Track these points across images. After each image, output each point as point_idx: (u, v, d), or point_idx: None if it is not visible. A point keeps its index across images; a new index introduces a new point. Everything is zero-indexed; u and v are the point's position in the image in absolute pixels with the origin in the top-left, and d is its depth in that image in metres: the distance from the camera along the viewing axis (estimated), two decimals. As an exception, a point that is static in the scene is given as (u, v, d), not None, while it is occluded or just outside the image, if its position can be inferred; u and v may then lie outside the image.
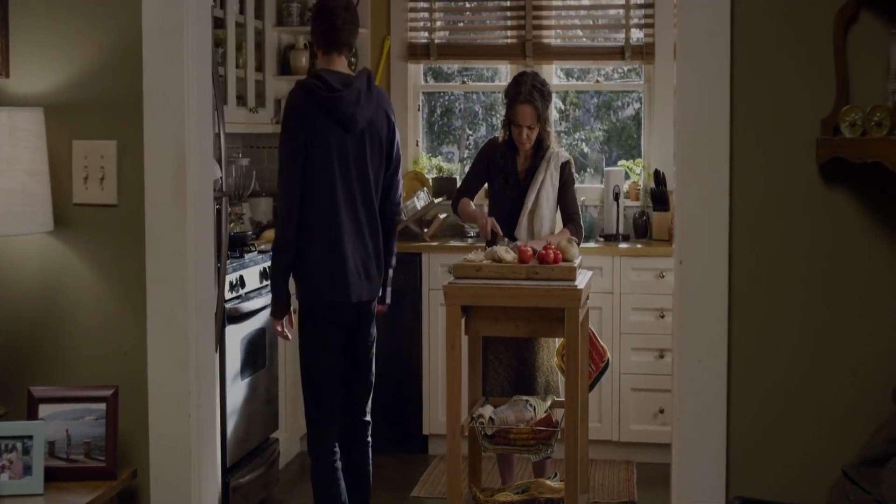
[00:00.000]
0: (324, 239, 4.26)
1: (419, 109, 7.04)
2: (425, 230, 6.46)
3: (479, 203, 5.96)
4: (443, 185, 6.83)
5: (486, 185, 5.28)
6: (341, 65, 4.37)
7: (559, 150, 5.12)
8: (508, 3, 6.80)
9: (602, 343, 5.09)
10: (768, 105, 2.88)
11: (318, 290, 4.29)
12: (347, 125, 4.25)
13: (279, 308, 4.41)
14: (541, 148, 5.06)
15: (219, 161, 4.48)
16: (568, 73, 7.09)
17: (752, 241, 2.90)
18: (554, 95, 6.88)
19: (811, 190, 2.87)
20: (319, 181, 4.24)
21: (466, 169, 7.15)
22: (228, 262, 4.82)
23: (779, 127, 2.87)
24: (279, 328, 4.46)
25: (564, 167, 5.07)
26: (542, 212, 5.02)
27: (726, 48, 2.87)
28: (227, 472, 4.78)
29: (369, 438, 4.61)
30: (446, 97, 7.37)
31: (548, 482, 4.80)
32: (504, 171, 5.08)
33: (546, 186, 5.02)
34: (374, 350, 4.55)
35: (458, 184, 6.84)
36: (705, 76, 2.88)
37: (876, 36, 2.81)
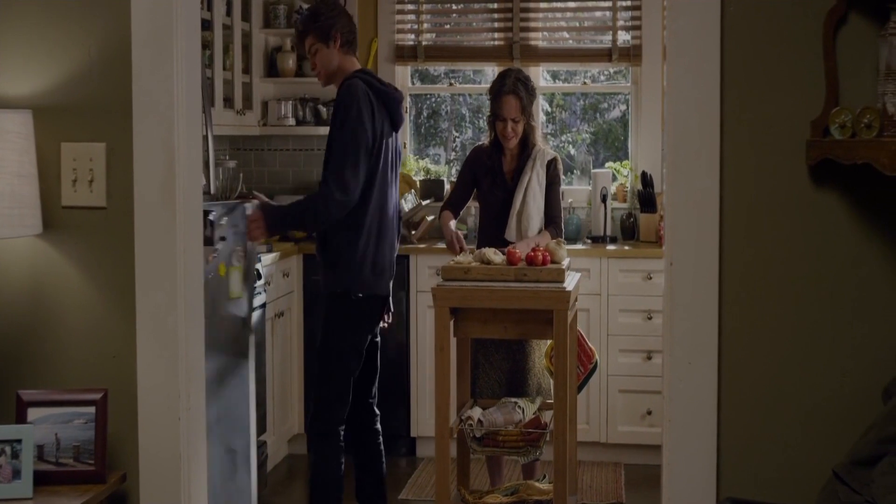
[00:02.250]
0: (373, 232, 4.44)
1: (406, 111, 7.04)
2: (413, 232, 6.46)
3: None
4: (430, 188, 6.83)
5: (472, 195, 5.26)
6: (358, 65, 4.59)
7: (545, 148, 5.11)
8: (495, 6, 6.81)
9: (590, 345, 5.09)
10: (758, 106, 2.88)
11: (365, 280, 4.45)
12: (398, 125, 4.51)
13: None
14: (526, 147, 5.05)
15: (207, 163, 4.49)
16: (554, 76, 7.09)
17: (743, 243, 2.91)
18: (541, 97, 6.91)
19: (801, 191, 2.88)
20: (374, 175, 4.40)
21: (454, 171, 7.17)
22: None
23: (769, 128, 2.88)
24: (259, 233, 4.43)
25: (550, 165, 5.06)
26: (530, 211, 5.01)
27: (716, 50, 2.87)
28: (215, 475, 4.77)
29: (379, 426, 4.79)
30: (433, 99, 7.37)
31: (537, 484, 4.80)
32: (491, 174, 5.07)
33: (533, 185, 5.01)
34: (378, 348, 4.75)
35: (446, 187, 6.86)
36: (695, 78, 2.89)
37: (865, 37, 2.82)
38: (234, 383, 4.28)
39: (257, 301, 5.35)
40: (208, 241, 4.12)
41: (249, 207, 4.39)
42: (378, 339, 4.71)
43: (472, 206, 6.76)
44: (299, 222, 4.68)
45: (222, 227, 4.24)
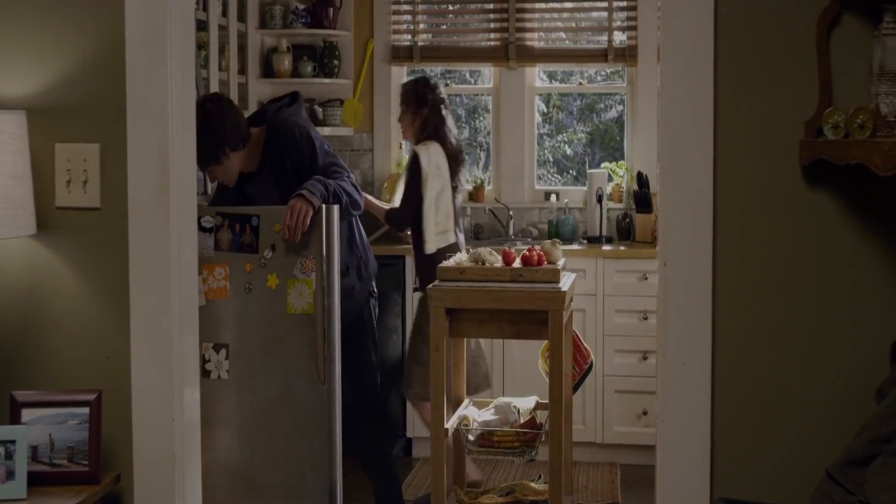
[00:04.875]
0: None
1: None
2: (409, 233, 6.45)
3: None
4: (426, 188, 6.82)
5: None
6: None
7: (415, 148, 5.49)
8: (492, 6, 6.81)
9: (586, 345, 5.09)
10: (752, 107, 2.88)
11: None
12: None
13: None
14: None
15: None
16: (551, 76, 7.10)
17: (737, 243, 2.91)
18: (537, 98, 6.93)
19: (795, 191, 2.88)
20: None
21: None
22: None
23: (762, 129, 2.88)
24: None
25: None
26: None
27: (710, 50, 2.87)
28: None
29: None
30: (429, 100, 7.36)
31: (532, 484, 4.80)
32: None
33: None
34: None
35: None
36: (689, 78, 2.89)
37: (859, 38, 2.82)
38: (298, 408, 4.00)
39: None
40: (250, 248, 3.97)
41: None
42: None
43: (468, 207, 6.77)
44: (339, 194, 4.17)
45: (275, 234, 3.95)
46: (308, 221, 3.91)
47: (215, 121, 4.31)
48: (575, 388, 5.00)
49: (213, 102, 4.38)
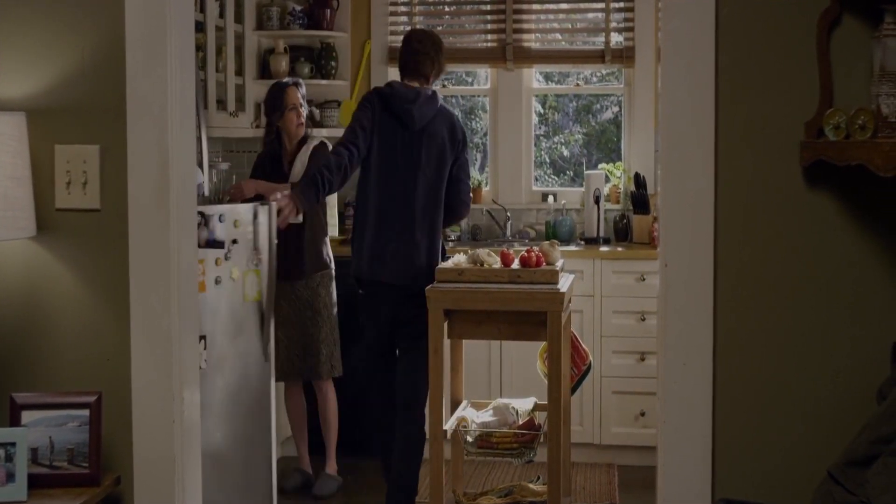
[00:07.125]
0: (370, 222, 4.78)
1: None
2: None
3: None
4: (423, 189, 6.81)
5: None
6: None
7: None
8: (489, 7, 6.81)
9: (584, 346, 5.09)
10: (752, 108, 2.89)
11: (361, 267, 4.81)
12: (405, 122, 4.77)
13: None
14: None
15: (200, 165, 4.50)
16: (548, 77, 7.10)
17: (737, 243, 2.91)
18: (533, 99, 6.93)
19: (795, 192, 2.88)
20: (369, 169, 4.80)
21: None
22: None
23: (763, 129, 2.89)
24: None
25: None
26: None
27: (711, 51, 2.88)
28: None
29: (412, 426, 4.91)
30: (426, 101, 7.36)
31: (531, 485, 4.80)
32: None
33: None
34: (416, 339, 4.76)
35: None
36: (690, 79, 2.89)
37: (859, 39, 2.83)
38: (252, 387, 4.44)
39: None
40: (218, 244, 4.29)
41: (278, 196, 4.64)
42: (409, 341, 4.83)
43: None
44: (319, 180, 4.66)
45: (234, 229, 4.34)
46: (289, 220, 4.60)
47: (415, 43, 4.98)
48: (573, 390, 5.00)
49: (426, 37, 5.02)
